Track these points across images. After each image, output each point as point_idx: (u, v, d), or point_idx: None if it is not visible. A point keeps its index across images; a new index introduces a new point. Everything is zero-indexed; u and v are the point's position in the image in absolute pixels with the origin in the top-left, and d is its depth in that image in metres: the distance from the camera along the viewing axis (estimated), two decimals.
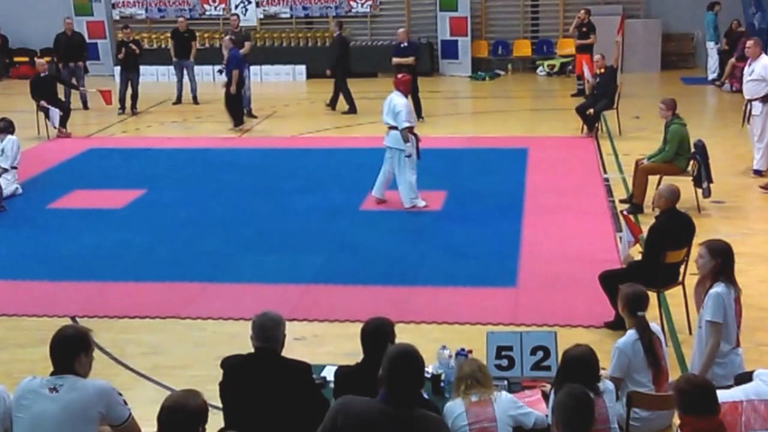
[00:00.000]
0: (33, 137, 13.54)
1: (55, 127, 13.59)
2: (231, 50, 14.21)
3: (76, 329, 4.21)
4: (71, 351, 3.99)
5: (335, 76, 15.27)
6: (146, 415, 4.12)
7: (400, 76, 9.99)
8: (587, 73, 12.97)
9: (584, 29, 15.79)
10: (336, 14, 19.66)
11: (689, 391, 3.79)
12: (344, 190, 10.47)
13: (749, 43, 10.70)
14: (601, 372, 4.80)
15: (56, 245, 8.85)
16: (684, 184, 8.33)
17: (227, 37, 14.73)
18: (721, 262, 5.08)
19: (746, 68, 10.64)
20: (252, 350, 4.31)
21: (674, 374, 5.04)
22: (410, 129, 9.35)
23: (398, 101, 9.41)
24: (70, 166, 12.16)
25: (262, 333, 4.26)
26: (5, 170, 10.38)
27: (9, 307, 7.40)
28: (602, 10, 18.03)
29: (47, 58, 16.13)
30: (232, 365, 4.31)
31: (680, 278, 6.56)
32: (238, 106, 14.03)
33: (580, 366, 4.17)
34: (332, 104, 15.54)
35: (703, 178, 9.19)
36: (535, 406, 4.41)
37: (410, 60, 14.24)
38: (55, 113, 13.45)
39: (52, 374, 3.98)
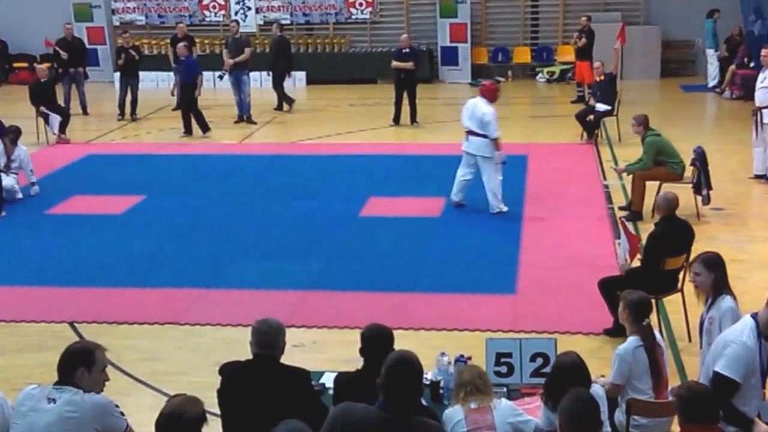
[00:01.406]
0: (33, 143, 13.51)
1: (54, 133, 13.59)
2: (187, 58, 14.24)
3: (84, 345, 4.16)
4: (71, 365, 3.97)
5: (275, 77, 15.65)
6: (144, 421, 4.11)
7: (487, 83, 9.92)
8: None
9: (583, 36, 15.85)
10: (336, 21, 19.71)
11: (690, 400, 3.78)
12: (344, 197, 10.46)
13: (764, 51, 10.70)
14: (600, 378, 4.83)
15: (55, 251, 8.84)
16: (683, 191, 8.34)
17: (181, 44, 14.71)
18: (719, 272, 5.05)
19: (760, 75, 10.65)
20: (251, 357, 4.30)
21: (673, 382, 5.03)
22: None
23: (487, 110, 9.32)
24: (69, 171, 12.15)
25: (261, 339, 4.24)
26: (33, 184, 10.73)
27: (7, 312, 7.38)
28: (602, 17, 18.05)
29: (47, 64, 16.14)
30: (230, 371, 4.29)
31: (679, 285, 6.56)
32: (188, 116, 14.08)
33: (574, 373, 4.17)
34: (282, 105, 15.91)
35: (702, 185, 9.19)
36: (535, 413, 4.40)
37: (410, 65, 14.27)
38: (55, 119, 13.45)
39: (55, 384, 3.97)
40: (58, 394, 3.90)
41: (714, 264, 5.02)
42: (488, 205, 9.57)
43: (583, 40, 15.79)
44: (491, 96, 9.52)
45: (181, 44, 14.61)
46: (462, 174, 9.70)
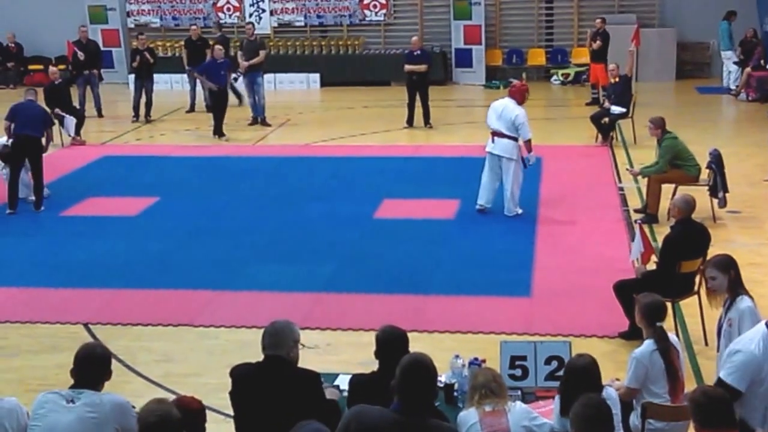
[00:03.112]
0: None
1: (69, 135, 13.65)
2: (224, 61, 14.22)
3: (104, 349, 4.16)
4: (100, 372, 3.98)
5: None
6: None
7: (518, 84, 9.88)
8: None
9: (598, 38, 15.79)
10: (350, 23, 19.72)
11: (705, 404, 3.75)
12: (358, 199, 10.45)
13: None
14: (615, 382, 4.80)
15: (70, 252, 8.88)
16: (699, 193, 8.28)
17: (218, 46, 14.61)
18: (734, 273, 5.01)
19: None
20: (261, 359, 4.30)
21: (690, 385, 4.99)
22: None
23: (518, 111, 9.29)
24: (84, 173, 12.21)
25: (267, 340, 4.24)
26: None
27: (22, 313, 7.42)
28: (616, 19, 17.95)
29: (61, 66, 16.23)
30: (241, 374, 4.29)
31: (695, 288, 6.51)
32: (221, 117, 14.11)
33: (587, 376, 4.16)
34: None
35: (718, 187, 9.13)
36: (550, 417, 4.38)
37: (423, 68, 14.26)
38: (71, 121, 13.51)
39: (71, 387, 3.97)
40: (76, 395, 3.90)
41: (727, 265, 4.98)
42: (504, 207, 9.54)
43: (598, 42, 15.73)
44: (521, 97, 9.47)
45: (218, 46, 14.54)
46: (489, 179, 9.57)
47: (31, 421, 3.94)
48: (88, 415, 3.84)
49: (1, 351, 6.67)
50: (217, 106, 14.10)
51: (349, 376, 4.59)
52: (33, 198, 10.49)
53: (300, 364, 4.31)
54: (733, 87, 16.87)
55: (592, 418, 3.61)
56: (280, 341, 4.24)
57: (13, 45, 20.31)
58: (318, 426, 3.49)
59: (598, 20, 16.16)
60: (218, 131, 14.02)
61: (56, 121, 13.58)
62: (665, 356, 4.74)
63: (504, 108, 9.39)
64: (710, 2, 17.80)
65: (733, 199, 9.40)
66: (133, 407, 4.01)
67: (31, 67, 20.48)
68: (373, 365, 4.38)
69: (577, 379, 4.14)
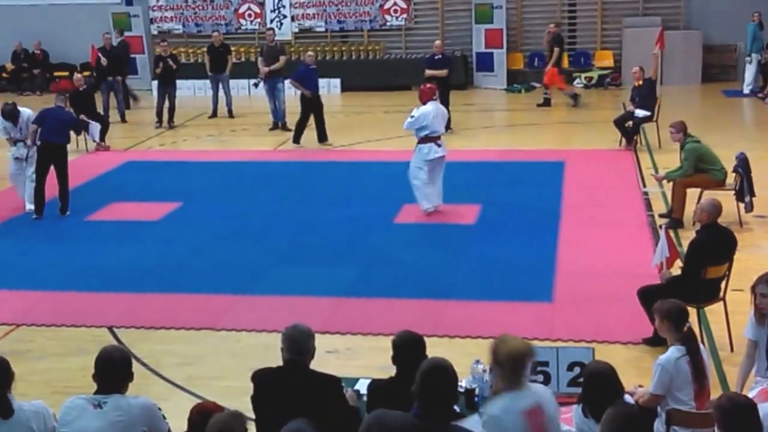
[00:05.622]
0: (72, 150, 13.71)
1: (94, 141, 13.79)
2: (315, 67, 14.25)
3: (122, 353, 4.15)
4: (122, 377, 3.99)
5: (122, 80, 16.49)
6: (181, 425, 4.12)
7: (427, 85, 10.18)
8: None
9: (555, 45, 15.82)
10: (371, 28, 19.75)
11: (731, 410, 3.71)
12: (378, 203, 10.45)
13: None
14: (639, 389, 4.75)
15: (94, 257, 8.96)
16: (726, 198, 8.19)
17: (310, 52, 14.65)
18: None
19: None
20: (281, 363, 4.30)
21: (715, 392, 4.93)
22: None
23: (423, 109, 9.64)
24: (108, 178, 12.32)
25: (292, 345, 4.25)
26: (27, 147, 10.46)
27: (48, 317, 7.50)
28: (640, 22, 17.83)
29: (86, 73, 16.39)
30: (262, 378, 4.31)
31: (721, 294, 6.43)
32: (305, 125, 13.91)
33: (608, 382, 4.12)
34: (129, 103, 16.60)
35: (745, 192, 9.03)
36: (572, 423, 4.34)
37: (443, 73, 14.23)
38: (95, 127, 13.61)
39: (96, 392, 3.98)
40: (103, 399, 3.92)
41: None
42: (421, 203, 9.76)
43: (556, 50, 15.70)
44: (420, 97, 9.83)
45: (309, 53, 14.39)
46: (434, 181, 9.77)
47: (59, 427, 3.96)
48: (116, 419, 3.86)
49: (27, 354, 6.74)
50: (309, 112, 13.80)
51: (369, 381, 4.58)
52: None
53: (320, 369, 4.31)
54: (746, 90, 16.68)
55: (624, 427, 3.58)
56: (300, 346, 4.24)
57: (39, 52, 20.56)
58: (301, 425, 3.49)
59: (552, 25, 16.13)
60: (323, 137, 13.82)
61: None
62: (694, 359, 4.67)
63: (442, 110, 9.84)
64: (736, 4, 17.62)
65: (760, 203, 9.28)
66: (159, 409, 4.03)
67: (56, 73, 20.69)
68: (394, 370, 4.37)
69: (597, 385, 4.10)
